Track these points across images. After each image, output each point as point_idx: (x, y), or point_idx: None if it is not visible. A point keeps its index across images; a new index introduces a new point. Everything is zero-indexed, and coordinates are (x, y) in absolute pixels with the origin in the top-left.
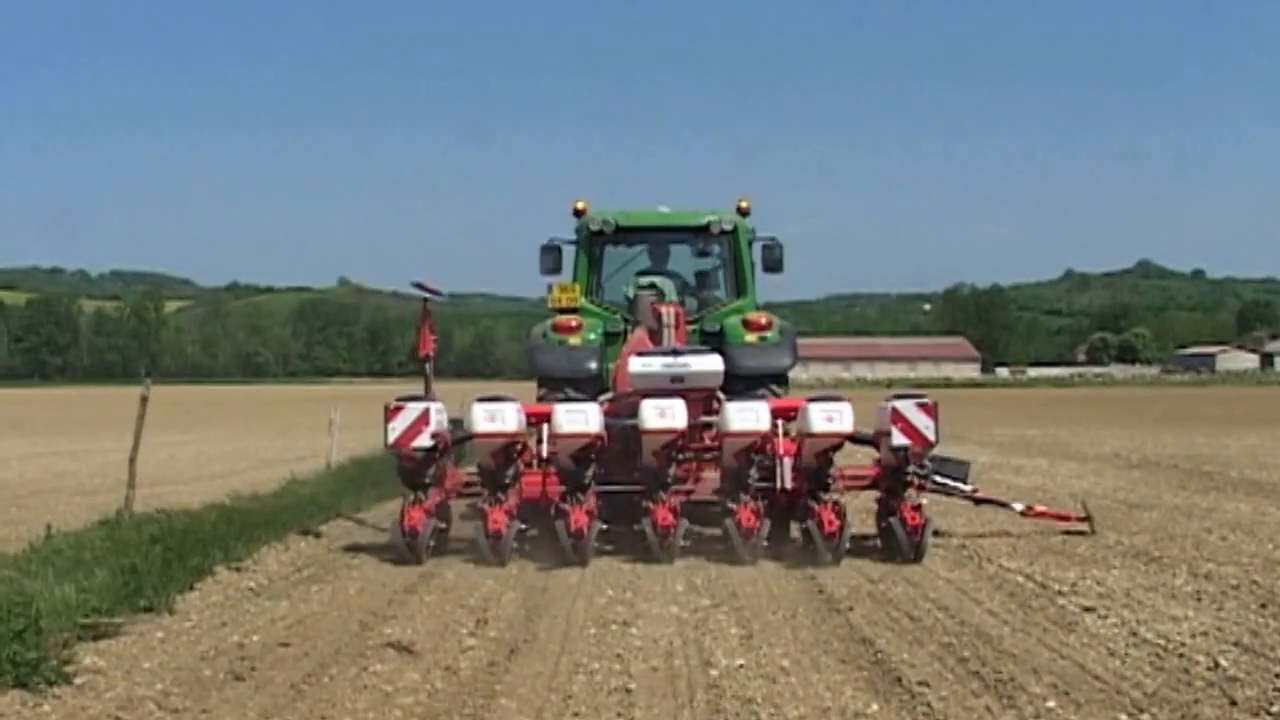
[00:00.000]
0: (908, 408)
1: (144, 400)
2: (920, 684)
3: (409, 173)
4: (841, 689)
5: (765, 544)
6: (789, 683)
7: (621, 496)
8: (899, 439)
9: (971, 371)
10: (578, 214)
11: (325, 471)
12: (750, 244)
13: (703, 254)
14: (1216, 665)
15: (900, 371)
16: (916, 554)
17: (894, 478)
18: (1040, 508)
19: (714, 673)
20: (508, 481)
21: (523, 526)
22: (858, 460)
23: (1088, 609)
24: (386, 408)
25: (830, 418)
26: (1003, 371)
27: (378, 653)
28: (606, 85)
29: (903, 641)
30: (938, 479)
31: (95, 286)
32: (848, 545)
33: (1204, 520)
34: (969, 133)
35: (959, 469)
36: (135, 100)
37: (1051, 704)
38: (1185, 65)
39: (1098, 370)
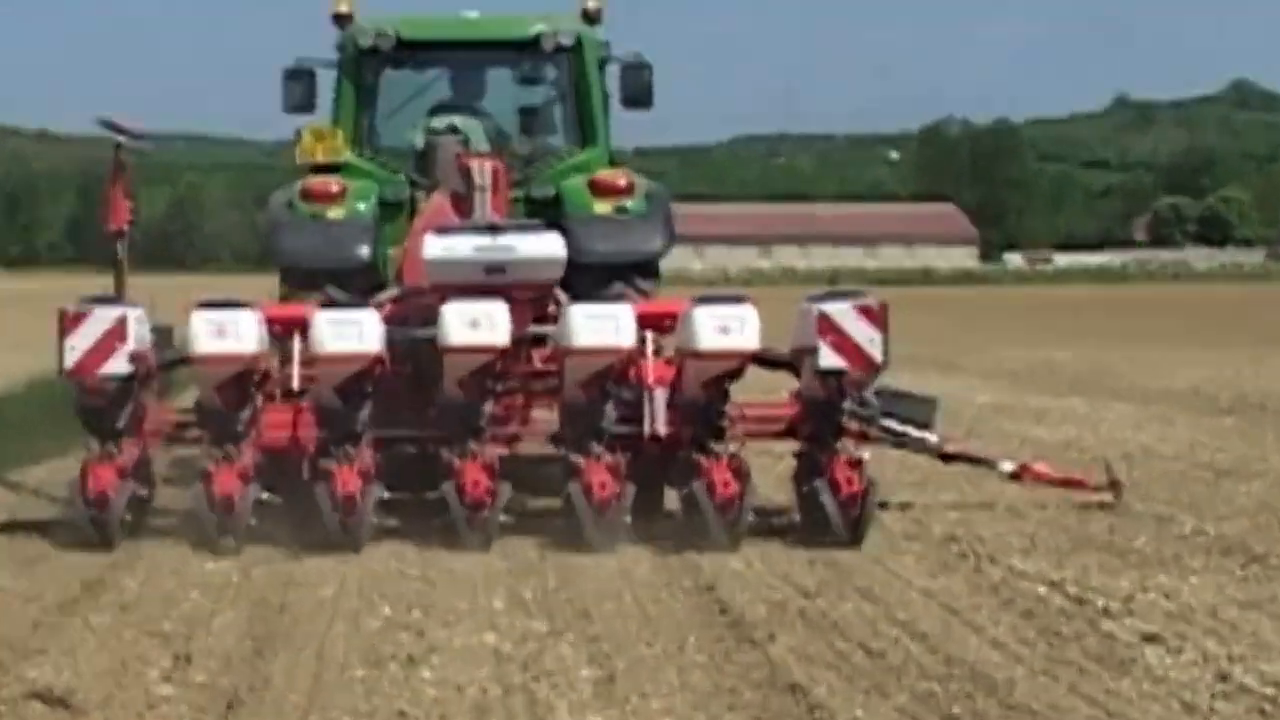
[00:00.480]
0: (842, 312)
1: None
2: None
3: None
4: None
5: (628, 519)
6: None
7: (411, 448)
8: (829, 359)
9: (966, 259)
10: (340, 21)
11: None
12: (603, 65)
13: (530, 81)
14: None
15: (853, 258)
16: (853, 534)
17: (822, 419)
18: (1041, 467)
19: None
20: (241, 426)
21: (263, 494)
22: (772, 394)
23: (1150, 638)
24: (63, 315)
25: (725, 327)
26: (1015, 259)
27: (16, 708)
28: None
29: (854, 691)
30: (889, 424)
31: None
32: (750, 519)
33: None
34: None
35: (921, 409)
36: None
37: None
38: None
39: (1167, 256)
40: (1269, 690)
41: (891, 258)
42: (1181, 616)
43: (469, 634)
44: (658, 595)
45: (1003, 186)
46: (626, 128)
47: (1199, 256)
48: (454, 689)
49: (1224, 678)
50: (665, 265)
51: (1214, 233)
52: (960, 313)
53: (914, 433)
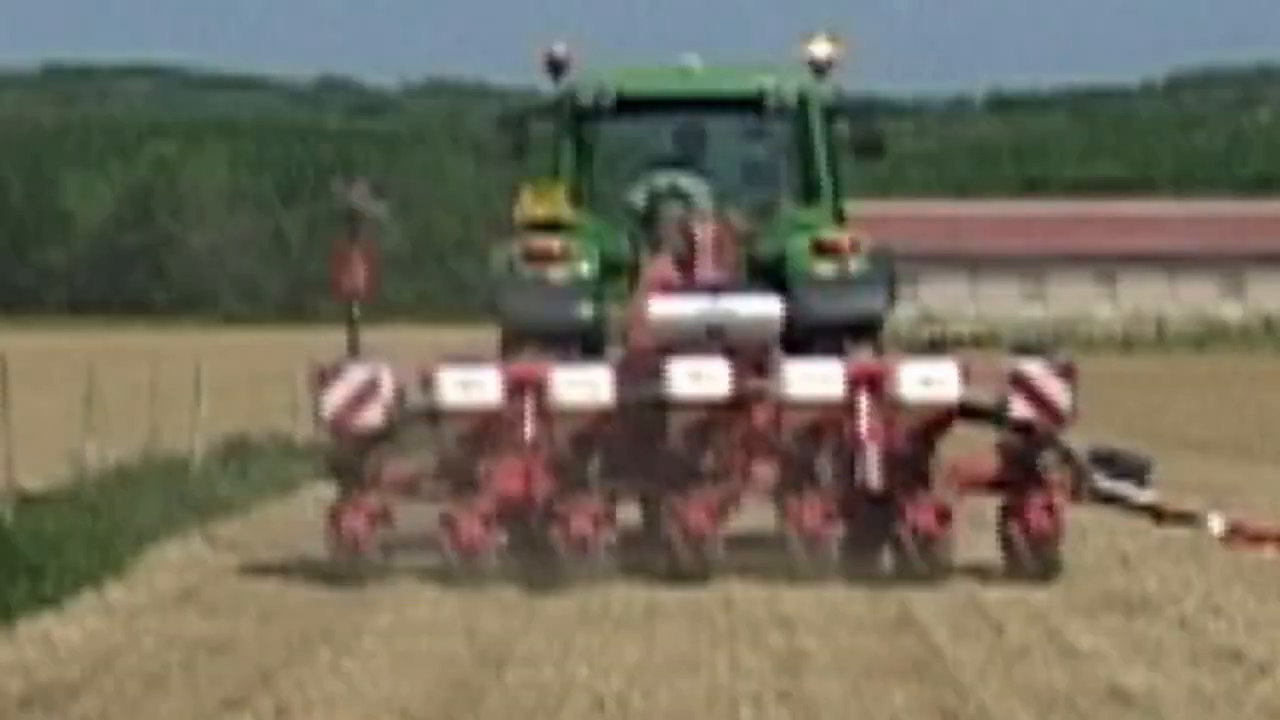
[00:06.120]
0: (1036, 370)
1: None
2: None
3: None
4: None
5: (833, 552)
6: None
7: (644, 491)
8: (1020, 410)
9: None
10: (555, 69)
11: None
12: (832, 116)
13: (754, 136)
14: None
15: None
16: (1044, 571)
17: (1018, 468)
18: (1259, 526)
19: None
20: (480, 475)
21: (503, 539)
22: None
23: None
24: (321, 371)
25: (928, 380)
26: None
27: None
28: None
29: None
30: (1101, 483)
31: None
32: (952, 555)
33: None
34: None
35: (1135, 467)
36: None
37: None
38: None
39: None
40: None
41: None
42: None
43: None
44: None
45: None
46: (915, 69)
47: None
48: None
49: None
50: (1025, 309)
51: None
52: None
53: (1123, 489)
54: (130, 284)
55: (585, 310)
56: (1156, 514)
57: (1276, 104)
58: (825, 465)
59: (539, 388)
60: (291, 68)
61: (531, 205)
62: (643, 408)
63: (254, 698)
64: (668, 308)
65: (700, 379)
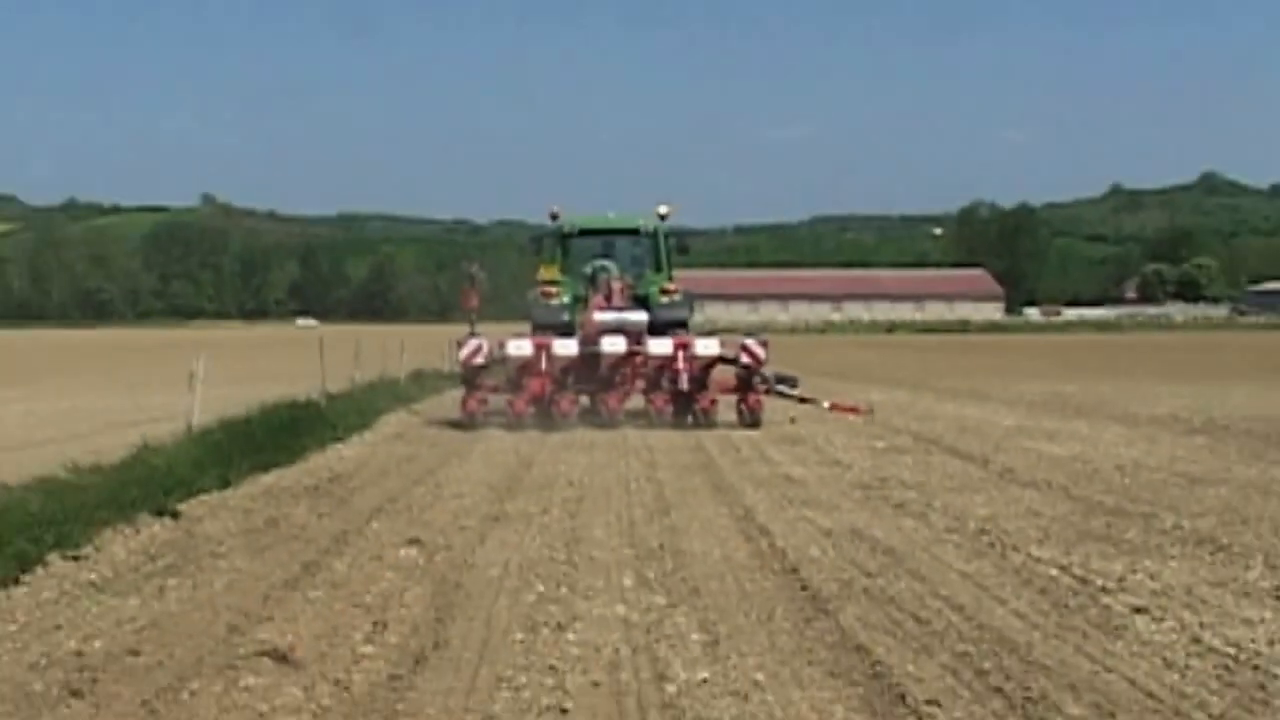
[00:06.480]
0: (751, 342)
1: None
2: (929, 703)
3: (288, 67)
4: (830, 709)
5: (669, 418)
6: (764, 701)
7: (589, 392)
8: (743, 359)
9: (994, 312)
10: (553, 217)
11: (186, 436)
12: (668, 236)
13: (637, 245)
14: None
15: (904, 312)
16: (754, 425)
17: (743, 382)
18: (845, 403)
19: (670, 689)
20: (522, 384)
21: (531, 411)
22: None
23: (1139, 610)
24: (458, 341)
25: (706, 346)
26: (1033, 312)
27: (250, 663)
28: None
29: (906, 650)
30: (776, 386)
31: None
32: (717, 419)
33: None
34: (986, 18)
35: (791, 380)
36: None
37: None
38: None
39: (1152, 310)
40: (1231, 650)
41: (936, 311)
42: (1163, 593)
43: (604, 606)
44: (752, 576)
45: (1023, 256)
46: (732, 211)
47: (1177, 311)
48: (593, 649)
49: (1196, 640)
50: (758, 317)
51: (1189, 292)
52: (989, 355)
53: (786, 390)
54: (391, 304)
55: (566, 316)
56: (800, 400)
57: None
58: (664, 382)
59: (547, 348)
60: (481, 213)
61: (543, 273)
62: (589, 356)
63: (426, 480)
64: (601, 315)
65: (614, 345)
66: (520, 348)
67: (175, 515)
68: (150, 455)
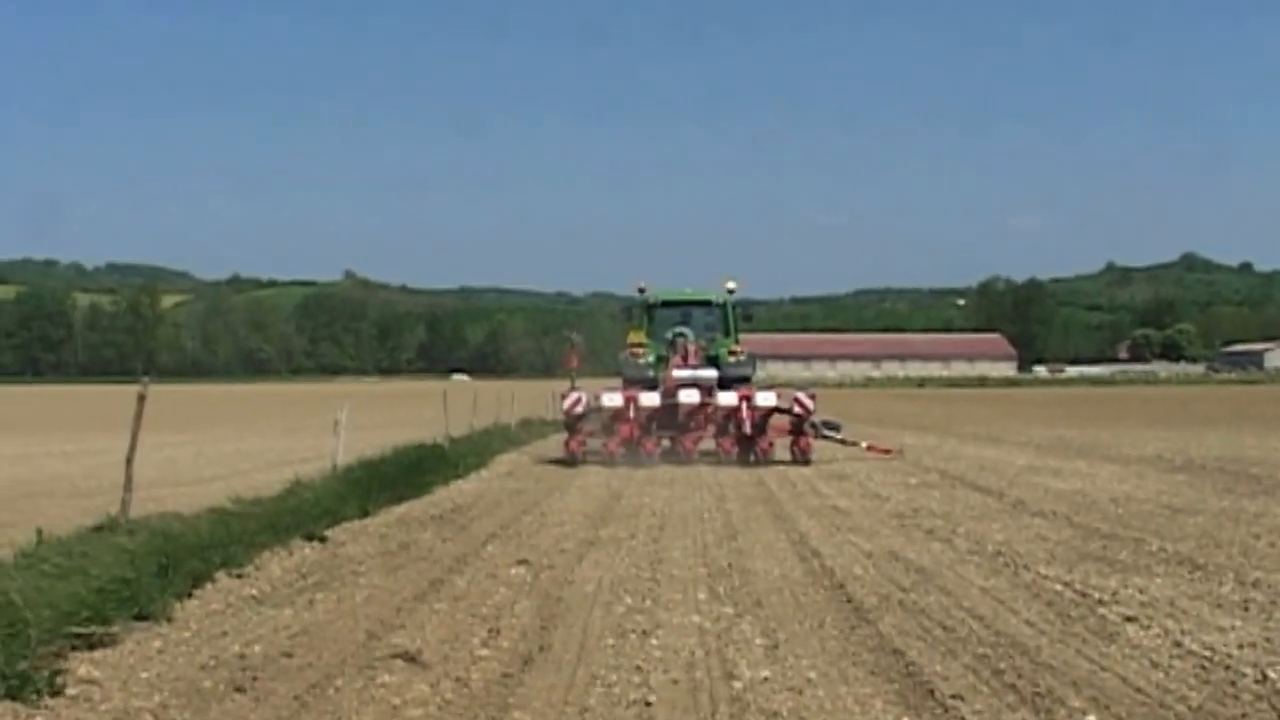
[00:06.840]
0: (802, 395)
1: (141, 399)
2: (953, 697)
3: (415, 162)
4: (871, 702)
5: (735, 458)
6: (816, 696)
7: (669, 436)
8: (795, 409)
9: (1008, 370)
10: (640, 291)
11: (331, 474)
12: (735, 307)
13: (709, 314)
14: (1265, 678)
15: (933, 369)
16: (804, 463)
17: (795, 427)
18: (879, 445)
19: (737, 685)
20: (615, 430)
21: (623, 452)
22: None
23: (1129, 618)
24: (562, 394)
25: (765, 399)
26: (1040, 370)
27: (385, 663)
28: (609, 70)
29: (935, 653)
30: (823, 431)
31: (90, 280)
32: (774, 458)
33: (1251, 526)
34: (1000, 120)
35: (834, 425)
36: (129, 84)
37: (1091, 718)
38: (1225, 43)
39: (1140, 368)
40: (1207, 653)
41: (959, 369)
42: (1150, 605)
43: (682, 616)
44: (805, 591)
45: (1033, 323)
46: (788, 285)
47: (1161, 369)
48: (672, 651)
49: (1178, 644)
50: (810, 374)
51: (1171, 353)
52: (1004, 405)
53: (832, 434)
54: (503, 362)
55: (650, 373)
56: (842, 442)
57: None
58: (730, 427)
59: (635, 399)
60: (579, 285)
61: (632, 337)
62: (669, 406)
63: (533, 510)
64: (679, 372)
65: (690, 397)
66: (612, 399)
67: (322, 539)
68: (301, 489)
